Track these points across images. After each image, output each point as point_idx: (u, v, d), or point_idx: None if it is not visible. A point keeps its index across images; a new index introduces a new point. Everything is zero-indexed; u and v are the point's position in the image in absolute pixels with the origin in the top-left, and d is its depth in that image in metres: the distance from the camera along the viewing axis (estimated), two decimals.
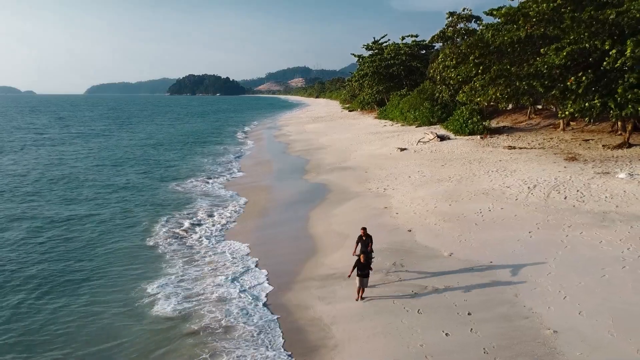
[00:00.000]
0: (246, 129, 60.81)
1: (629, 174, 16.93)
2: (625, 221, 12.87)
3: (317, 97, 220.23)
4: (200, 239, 14.95)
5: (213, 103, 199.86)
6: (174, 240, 14.85)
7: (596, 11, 19.65)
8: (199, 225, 16.44)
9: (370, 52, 63.72)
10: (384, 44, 63.80)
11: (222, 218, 17.25)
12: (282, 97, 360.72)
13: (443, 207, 15.73)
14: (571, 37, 20.58)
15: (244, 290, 11.09)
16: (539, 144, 26.64)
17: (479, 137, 30.58)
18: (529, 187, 16.83)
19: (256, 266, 12.56)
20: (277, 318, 9.68)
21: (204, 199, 20.27)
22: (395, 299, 9.80)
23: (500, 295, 9.51)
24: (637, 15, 18.65)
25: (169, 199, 20.38)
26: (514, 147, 26.19)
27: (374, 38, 65.18)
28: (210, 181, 24.35)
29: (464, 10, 41.53)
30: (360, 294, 9.95)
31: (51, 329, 9.62)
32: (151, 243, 14.63)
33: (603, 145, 23.99)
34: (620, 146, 23.17)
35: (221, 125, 68.20)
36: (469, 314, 8.86)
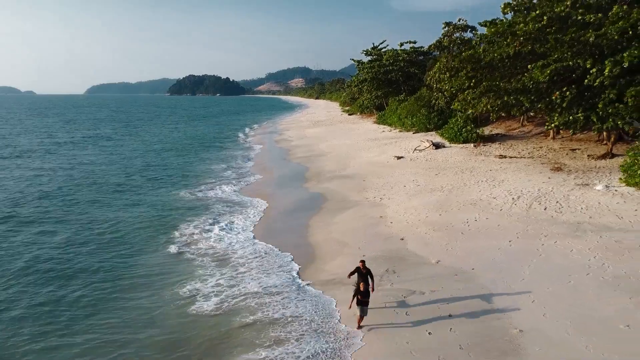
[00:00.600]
0: (248, 132, 62.22)
1: (606, 185, 18.33)
2: (596, 231, 14.27)
3: (317, 98, 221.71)
4: (223, 241, 16.30)
5: (213, 104, 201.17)
6: (199, 245, 16.18)
7: (578, 33, 21.08)
8: (222, 229, 17.81)
9: (369, 58, 65.26)
10: (383, 50, 65.38)
11: (243, 222, 18.75)
12: (282, 97, 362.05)
13: (434, 216, 17.13)
14: (555, 56, 21.99)
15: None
16: (528, 153, 28.05)
17: (472, 145, 31.99)
18: (513, 198, 18.25)
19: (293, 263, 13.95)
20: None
21: (221, 204, 21.74)
22: (386, 302, 11.19)
23: (478, 299, 10.91)
24: (615, 37, 20.05)
25: (185, 205, 21.73)
26: (505, 156, 27.59)
27: (373, 44, 66.72)
28: (224, 187, 25.66)
29: (459, 20, 43.07)
30: (359, 323, 10.12)
31: (107, 330, 10.94)
32: (175, 250, 15.90)
33: (588, 155, 25.38)
34: (604, 156, 24.56)
35: (223, 129, 69.52)
36: (449, 315, 10.26)
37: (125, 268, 14.50)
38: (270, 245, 15.89)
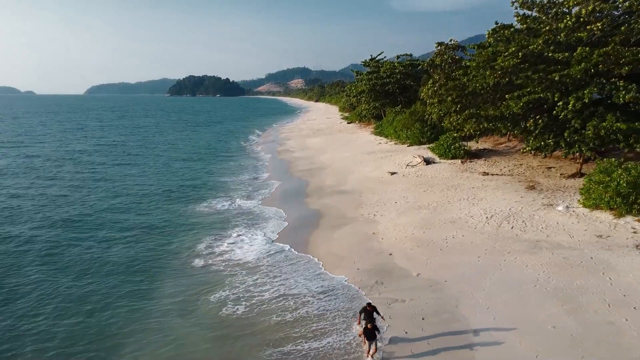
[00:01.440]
0: (252, 140, 65.25)
1: (566, 206, 21.37)
2: (550, 249, 17.30)
3: (316, 101, 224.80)
4: (241, 250, 19.32)
5: (215, 108, 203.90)
6: (223, 256, 19.19)
7: (547, 70, 24.12)
8: (241, 241, 20.89)
9: (367, 69, 68.55)
10: (381, 61, 68.72)
11: (260, 233, 21.92)
12: (282, 99, 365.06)
13: (418, 233, 20.14)
14: (528, 89, 25.03)
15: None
16: (509, 170, 31.07)
17: (460, 161, 35.04)
18: (487, 217, 21.27)
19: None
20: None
21: (240, 217, 24.90)
22: None
23: (447, 306, 13.92)
24: (578, 76, 23.09)
25: (203, 220, 24.74)
26: (487, 174, 30.59)
27: (371, 55, 70.14)
28: (238, 201, 28.78)
29: (450, 41, 46.11)
30: (373, 353, 11.62)
31: (140, 335, 13.97)
32: (202, 262, 18.92)
33: (560, 174, 28.42)
34: (573, 175, 27.59)
35: (229, 137, 72.48)
36: (422, 318, 13.28)
37: (153, 283, 17.48)
38: (287, 246, 19.06)
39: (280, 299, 15.22)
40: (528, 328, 12.27)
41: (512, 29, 30.32)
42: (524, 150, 28.15)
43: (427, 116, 47.03)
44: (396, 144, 48.00)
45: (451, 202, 24.51)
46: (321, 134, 66.38)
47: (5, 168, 41.13)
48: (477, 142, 37.44)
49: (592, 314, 12.64)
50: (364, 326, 11.72)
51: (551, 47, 25.81)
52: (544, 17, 29.39)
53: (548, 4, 29.90)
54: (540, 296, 13.94)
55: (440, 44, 46.63)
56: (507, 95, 26.46)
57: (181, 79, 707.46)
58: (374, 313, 12.09)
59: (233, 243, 20.95)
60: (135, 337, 13.41)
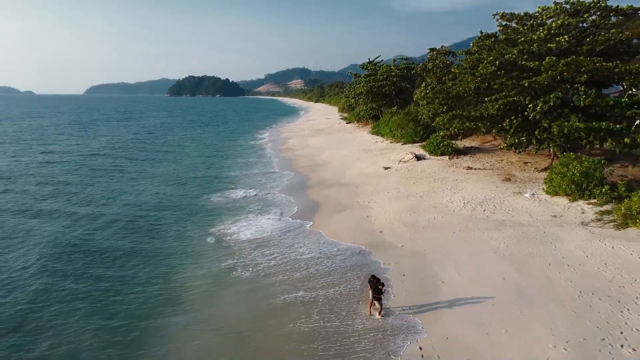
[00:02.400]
0: (256, 138, 68.91)
1: (532, 194, 24.98)
2: (512, 226, 20.89)
3: (316, 101, 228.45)
4: (259, 227, 22.87)
5: (217, 109, 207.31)
6: (242, 233, 22.74)
7: (519, 77, 27.76)
8: (255, 221, 24.45)
9: (365, 72, 72.43)
10: (378, 64, 72.59)
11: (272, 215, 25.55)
12: (282, 99, 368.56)
13: (405, 216, 23.73)
14: (504, 93, 28.64)
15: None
16: (490, 165, 34.69)
17: (447, 157, 38.64)
18: (464, 203, 24.87)
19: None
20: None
21: (253, 204, 28.60)
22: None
23: (423, 267, 17.47)
24: (545, 82, 26.71)
25: (220, 206, 28.31)
26: (471, 168, 34.20)
27: (369, 59, 74.08)
28: (251, 191, 32.44)
29: (442, 47, 49.88)
30: (380, 312, 14.06)
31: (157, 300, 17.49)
32: (213, 240, 22.50)
33: (535, 168, 32.05)
34: (545, 169, 31.17)
35: (233, 136, 76.10)
36: (403, 275, 16.86)
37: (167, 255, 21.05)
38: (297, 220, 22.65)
39: (294, 261, 18.83)
40: (484, 280, 15.84)
41: (492, 39, 33.96)
42: (502, 147, 31.73)
43: (420, 117, 50.74)
44: (391, 142, 51.62)
45: (436, 192, 28.10)
46: (321, 134, 69.96)
47: (62, 164, 44.75)
48: (462, 140, 41.06)
49: (535, 270, 16.22)
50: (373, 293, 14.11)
51: (525, 56, 29.44)
52: (521, 29, 33.09)
53: (525, 17, 33.59)
54: (497, 260, 17.51)
55: (432, 49, 50.57)
56: (486, 99, 30.05)
57: (181, 79, 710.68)
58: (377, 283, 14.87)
59: (250, 221, 24.60)
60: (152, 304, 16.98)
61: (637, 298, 13.67)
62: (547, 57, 27.60)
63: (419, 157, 39.35)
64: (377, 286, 14.20)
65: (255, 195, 31.55)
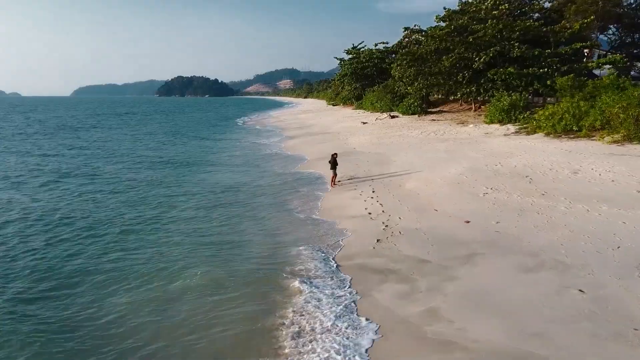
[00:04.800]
0: (251, 118, 75.10)
1: (475, 125, 31.55)
2: (454, 140, 27.31)
3: (305, 97, 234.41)
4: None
5: (214, 107, 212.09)
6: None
7: (467, 36, 34.37)
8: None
9: (350, 56, 78.78)
10: (361, 49, 78.99)
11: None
12: (271, 97, 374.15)
13: (374, 141, 30.12)
14: (457, 50, 35.20)
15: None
16: (451, 118, 41.26)
17: (417, 116, 45.17)
18: (421, 132, 31.34)
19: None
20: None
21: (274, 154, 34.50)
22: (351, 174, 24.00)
23: (381, 158, 23.79)
24: (486, 39, 33.30)
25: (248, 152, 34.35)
26: (435, 120, 40.74)
27: (353, 44, 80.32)
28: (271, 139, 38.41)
29: (414, 26, 56.57)
30: (334, 180, 20.35)
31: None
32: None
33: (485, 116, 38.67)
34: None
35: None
36: (367, 161, 23.13)
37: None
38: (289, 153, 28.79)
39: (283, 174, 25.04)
40: (423, 158, 22.25)
41: (450, 11, 40.59)
42: (455, 98, 38.35)
43: (397, 89, 57.29)
44: (372, 112, 58.06)
45: (401, 131, 34.54)
46: (309, 112, 76.35)
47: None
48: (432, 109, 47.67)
49: (458, 153, 22.64)
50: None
51: (474, 22, 36.06)
52: (475, 2, 39.75)
53: None
54: (437, 152, 23.91)
55: (406, 28, 57.23)
56: (443, 57, 36.59)
57: (169, 79, 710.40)
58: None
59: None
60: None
61: (518, 155, 20.16)
62: (489, 21, 34.22)
63: (393, 117, 45.81)
64: (334, 159, 20.14)
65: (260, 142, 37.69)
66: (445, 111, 49.10)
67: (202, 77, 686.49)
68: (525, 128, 27.05)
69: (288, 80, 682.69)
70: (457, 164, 19.85)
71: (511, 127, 28.53)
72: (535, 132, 25.61)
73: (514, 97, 29.35)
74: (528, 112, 28.85)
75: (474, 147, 24.08)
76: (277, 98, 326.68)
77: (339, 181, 19.63)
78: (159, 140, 40.35)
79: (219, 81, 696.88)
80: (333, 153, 20.26)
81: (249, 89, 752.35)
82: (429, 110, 47.79)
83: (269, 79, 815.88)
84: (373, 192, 16.79)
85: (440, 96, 61.74)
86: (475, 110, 44.62)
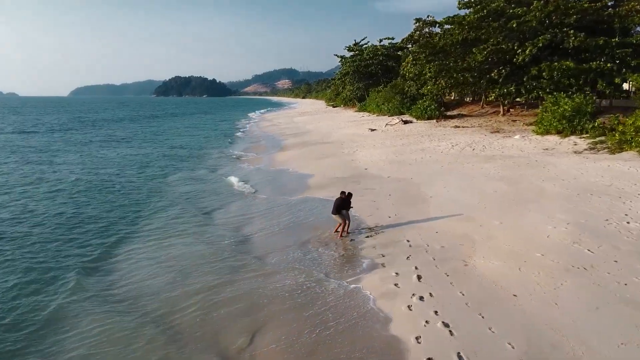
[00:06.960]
0: (248, 117, 67.69)
1: (522, 136, 24.13)
2: (503, 158, 19.97)
3: (303, 97, 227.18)
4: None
5: (213, 108, 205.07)
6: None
7: (506, 22, 26.96)
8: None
9: (351, 53, 71.17)
10: (364, 46, 71.39)
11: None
12: (269, 98, 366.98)
13: (391, 157, 22.71)
14: (492, 41, 27.83)
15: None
16: (478, 124, 33.87)
17: (435, 121, 37.78)
18: (452, 146, 23.93)
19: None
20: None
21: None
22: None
23: (410, 188, 16.41)
24: (533, 24, 25.93)
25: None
26: (459, 127, 33.36)
27: (355, 40, 72.80)
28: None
29: (428, 17, 49.03)
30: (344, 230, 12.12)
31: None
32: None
33: (523, 124, 31.29)
34: (534, 123, 30.46)
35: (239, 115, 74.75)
36: (389, 195, 15.76)
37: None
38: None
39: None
40: (474, 192, 14.86)
41: None
42: (490, 98, 30.94)
43: (406, 89, 49.92)
44: (378, 115, 50.65)
45: (422, 142, 27.13)
46: (307, 115, 68.89)
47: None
48: (451, 96, 40.14)
49: (528, 184, 15.29)
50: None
51: (512, 5, 28.67)
52: None
53: None
54: (488, 180, 16.55)
55: (418, 19, 49.69)
56: (473, 49, 29.23)
57: (167, 79, 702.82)
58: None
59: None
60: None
61: (638, 194, 12.78)
62: (535, 2, 26.86)
63: (405, 122, 38.42)
64: (345, 200, 12.25)
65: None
66: (465, 115, 41.71)
67: (200, 77, 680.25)
68: (602, 143, 19.66)
69: (286, 80, 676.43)
70: (539, 207, 12.45)
71: (578, 141, 21.17)
72: (622, 150, 18.21)
73: (577, 100, 21.93)
74: (601, 120, 21.48)
75: (542, 173, 16.72)
76: (275, 98, 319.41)
77: (347, 234, 12.23)
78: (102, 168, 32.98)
79: (217, 81, 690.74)
80: (342, 191, 12.72)
81: (247, 89, 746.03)
82: (446, 114, 40.45)
83: (268, 79, 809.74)
84: (419, 279, 9.09)
85: (454, 97, 54.49)
86: (503, 115, 37.30)
